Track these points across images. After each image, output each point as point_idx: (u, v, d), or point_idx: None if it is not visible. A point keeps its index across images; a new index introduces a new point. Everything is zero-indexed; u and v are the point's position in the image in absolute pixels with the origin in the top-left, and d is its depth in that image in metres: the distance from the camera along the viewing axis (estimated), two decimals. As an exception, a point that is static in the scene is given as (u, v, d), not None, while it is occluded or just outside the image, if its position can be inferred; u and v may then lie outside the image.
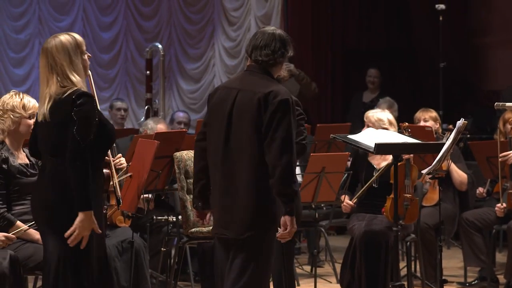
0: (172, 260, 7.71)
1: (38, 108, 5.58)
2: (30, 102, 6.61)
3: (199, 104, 12.84)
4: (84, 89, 5.48)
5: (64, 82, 5.44)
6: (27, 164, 6.56)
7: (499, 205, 8.33)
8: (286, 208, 5.61)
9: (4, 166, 6.41)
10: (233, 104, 5.70)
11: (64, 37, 5.51)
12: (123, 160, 6.69)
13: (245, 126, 5.67)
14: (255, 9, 12.91)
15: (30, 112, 6.56)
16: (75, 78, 5.46)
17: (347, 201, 7.91)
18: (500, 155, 8.26)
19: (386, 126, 8.18)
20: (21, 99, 6.59)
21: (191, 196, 6.99)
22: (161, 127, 8.65)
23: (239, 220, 5.65)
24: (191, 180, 7.02)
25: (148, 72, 9.86)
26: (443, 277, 6.35)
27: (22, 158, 6.61)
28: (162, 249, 7.66)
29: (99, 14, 12.47)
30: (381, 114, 8.30)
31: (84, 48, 5.57)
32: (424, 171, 7.20)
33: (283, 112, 5.61)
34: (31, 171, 6.57)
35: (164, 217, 7.86)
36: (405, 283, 7.56)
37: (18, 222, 6.35)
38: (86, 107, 5.41)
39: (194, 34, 13.01)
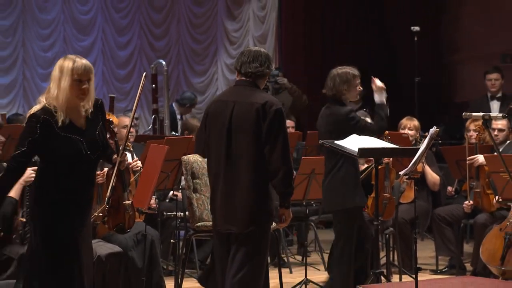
0: (180, 251, 7.68)
1: None
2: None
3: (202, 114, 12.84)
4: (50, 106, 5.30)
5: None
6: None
7: (466, 202, 8.32)
8: (285, 203, 5.71)
9: None
10: (231, 115, 5.71)
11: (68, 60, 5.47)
12: (139, 163, 6.68)
13: (245, 135, 5.67)
14: (252, 30, 12.91)
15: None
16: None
17: None
18: (468, 158, 8.25)
19: None
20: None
21: (197, 195, 6.99)
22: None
23: (242, 217, 5.67)
24: (197, 180, 7.02)
25: (153, 85, 9.82)
26: (418, 265, 6.31)
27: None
28: (171, 240, 7.63)
29: (116, 34, 12.44)
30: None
31: (77, 74, 5.35)
32: (401, 173, 7.19)
33: (280, 121, 5.64)
34: None
35: (173, 213, 7.83)
36: (384, 270, 7.56)
37: None
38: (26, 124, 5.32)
39: (199, 52, 13.01)
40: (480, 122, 8.61)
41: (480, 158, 8.18)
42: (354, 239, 7.10)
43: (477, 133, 8.60)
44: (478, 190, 8.26)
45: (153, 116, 9.62)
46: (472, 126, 8.72)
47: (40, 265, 5.33)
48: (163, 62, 9.83)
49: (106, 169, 6.57)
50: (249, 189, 5.66)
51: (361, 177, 7.52)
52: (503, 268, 7.39)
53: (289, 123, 10.30)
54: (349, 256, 7.02)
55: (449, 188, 8.78)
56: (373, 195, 7.48)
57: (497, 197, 7.80)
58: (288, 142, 5.68)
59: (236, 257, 5.70)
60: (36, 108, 5.29)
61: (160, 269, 7.16)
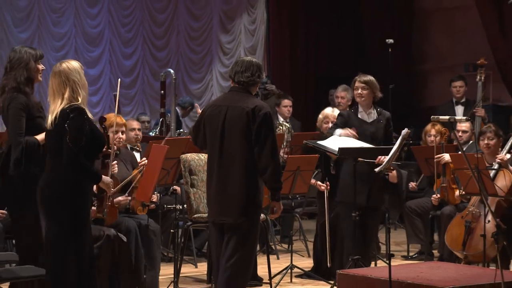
0: (179, 239, 7.68)
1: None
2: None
3: (200, 117, 12.86)
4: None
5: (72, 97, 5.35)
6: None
7: (434, 195, 8.34)
8: (275, 197, 5.73)
9: None
10: (225, 118, 5.72)
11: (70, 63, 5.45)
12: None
13: (236, 136, 5.68)
14: (244, 42, 12.91)
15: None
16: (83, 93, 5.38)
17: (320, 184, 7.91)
18: (435, 156, 8.27)
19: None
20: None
21: (194, 189, 6.99)
22: None
23: (235, 209, 5.69)
24: (194, 177, 7.03)
25: (162, 91, 9.80)
26: (391, 252, 6.31)
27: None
28: (171, 230, 7.62)
29: (122, 46, 12.42)
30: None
31: None
32: (376, 170, 7.19)
33: (268, 123, 5.66)
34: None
35: (172, 206, 7.83)
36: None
37: None
38: (76, 119, 5.29)
39: (196, 62, 12.99)
40: (439, 127, 8.66)
41: (446, 157, 8.20)
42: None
43: (437, 137, 8.63)
44: (445, 185, 8.27)
45: (161, 119, 9.59)
46: (433, 131, 8.75)
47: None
48: (172, 71, 9.79)
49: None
50: (240, 185, 5.67)
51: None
52: (464, 253, 7.47)
53: (288, 102, 10.32)
54: None
55: (412, 184, 8.81)
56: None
57: (460, 191, 7.82)
58: (276, 142, 5.70)
59: (229, 244, 5.72)
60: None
61: (159, 256, 7.10)
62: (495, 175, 7.51)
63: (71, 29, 11.74)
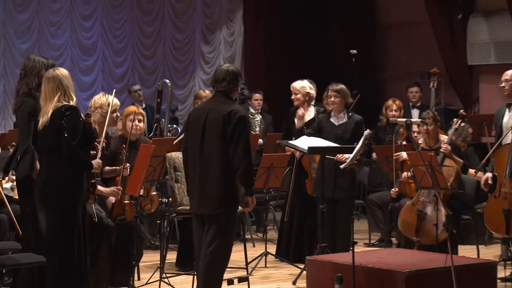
0: (164, 229, 7.65)
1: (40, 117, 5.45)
2: (115, 101, 6.50)
3: (184, 119, 12.81)
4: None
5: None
6: (103, 146, 6.27)
7: (393, 189, 8.36)
8: (248, 192, 5.71)
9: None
10: (205, 120, 5.73)
11: (62, 70, 5.52)
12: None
13: (215, 136, 5.69)
14: (223, 52, 12.91)
15: (113, 108, 6.41)
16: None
17: None
18: (394, 154, 8.29)
19: (308, 90, 8.13)
20: (106, 99, 6.46)
21: (178, 184, 6.97)
22: None
23: (213, 201, 5.69)
24: (178, 173, 7.01)
25: (158, 99, 9.77)
26: (354, 240, 6.33)
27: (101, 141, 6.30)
28: (158, 221, 7.59)
29: (114, 56, 12.37)
30: (303, 82, 8.19)
31: None
32: (341, 166, 7.20)
33: (242, 125, 5.65)
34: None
35: (159, 199, 7.80)
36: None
37: None
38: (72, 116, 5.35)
39: (180, 70, 12.96)
40: (399, 102, 8.93)
41: (404, 155, 8.22)
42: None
43: (398, 111, 9.17)
44: (402, 180, 8.30)
45: (155, 124, 9.53)
46: (394, 107, 9.29)
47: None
48: (168, 81, 9.74)
49: (128, 165, 6.54)
50: (218, 180, 5.67)
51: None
52: (417, 239, 7.47)
53: (258, 96, 10.36)
54: None
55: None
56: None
57: (416, 185, 7.83)
58: (249, 142, 5.69)
59: (208, 233, 5.72)
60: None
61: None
62: (442, 161, 7.50)
63: (67, 40, 11.68)
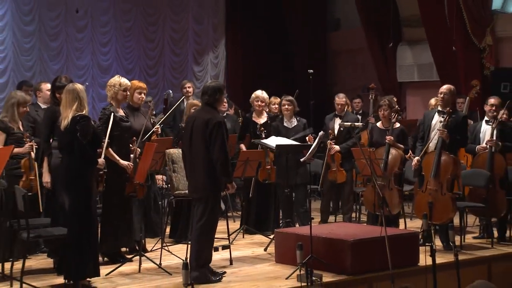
0: (164, 209, 7.61)
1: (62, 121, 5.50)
2: (125, 81, 6.54)
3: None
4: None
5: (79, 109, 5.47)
6: (122, 116, 6.43)
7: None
8: (227, 180, 5.72)
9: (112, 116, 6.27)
10: (192, 126, 5.80)
11: (79, 85, 5.59)
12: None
13: (199, 138, 5.75)
14: (210, 71, 12.89)
15: (123, 87, 6.48)
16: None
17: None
18: (328, 148, 8.24)
19: (267, 100, 8.25)
20: (119, 80, 6.50)
21: (175, 174, 6.96)
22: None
23: (199, 188, 5.75)
24: (175, 165, 7.00)
25: (164, 106, 9.67)
26: (312, 216, 6.34)
27: (120, 112, 6.47)
28: (159, 202, 7.56)
29: (125, 74, 12.09)
30: (261, 92, 8.23)
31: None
32: (301, 159, 7.20)
33: (217, 129, 5.66)
34: (125, 119, 6.48)
35: (160, 185, 7.76)
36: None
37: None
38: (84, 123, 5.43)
39: (177, 85, 12.65)
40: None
41: (337, 148, 8.16)
42: None
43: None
44: (334, 169, 8.19)
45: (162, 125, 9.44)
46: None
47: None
48: (171, 92, 9.70)
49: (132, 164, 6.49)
50: (203, 172, 5.71)
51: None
52: (377, 213, 7.18)
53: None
54: None
55: None
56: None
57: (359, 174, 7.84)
58: (224, 142, 5.69)
59: (197, 212, 5.75)
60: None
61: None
62: (388, 152, 7.40)
63: (89, 62, 11.58)
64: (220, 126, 5.67)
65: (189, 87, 9.81)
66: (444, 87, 7.21)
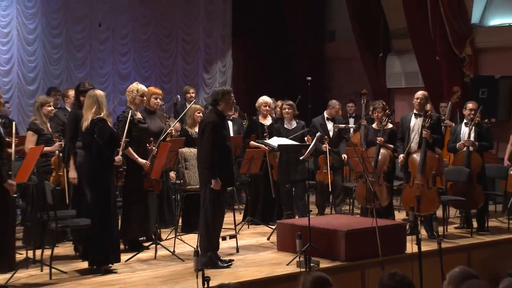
0: (177, 202, 7.62)
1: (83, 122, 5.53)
2: (142, 87, 6.53)
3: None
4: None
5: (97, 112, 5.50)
6: (140, 118, 6.43)
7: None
8: (211, 177, 5.66)
9: (131, 118, 6.26)
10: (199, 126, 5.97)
11: (98, 91, 5.64)
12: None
13: (199, 137, 5.86)
14: (218, 78, 12.87)
15: (140, 93, 6.48)
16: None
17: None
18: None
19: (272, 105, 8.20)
20: (137, 87, 6.50)
21: (187, 171, 6.95)
22: None
23: (200, 183, 5.87)
24: (187, 163, 6.99)
25: (174, 110, 9.71)
26: (310, 209, 6.34)
27: (138, 115, 6.48)
28: (173, 196, 7.56)
29: (143, 81, 11.97)
30: (267, 98, 8.20)
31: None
32: (300, 158, 7.20)
33: (207, 129, 5.70)
34: (143, 121, 6.48)
35: (173, 181, 7.76)
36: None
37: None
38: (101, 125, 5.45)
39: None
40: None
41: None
42: None
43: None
44: (325, 171, 8.12)
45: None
46: None
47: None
48: (179, 97, 9.74)
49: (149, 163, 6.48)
50: (200, 167, 5.84)
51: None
52: (368, 207, 7.28)
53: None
54: None
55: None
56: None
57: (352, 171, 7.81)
58: (210, 141, 5.66)
59: (203, 201, 5.78)
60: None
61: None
62: (378, 152, 7.42)
63: (110, 71, 11.58)
64: (207, 126, 5.71)
65: (192, 93, 9.81)
66: (420, 93, 7.30)
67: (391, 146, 7.46)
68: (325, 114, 8.55)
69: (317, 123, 8.49)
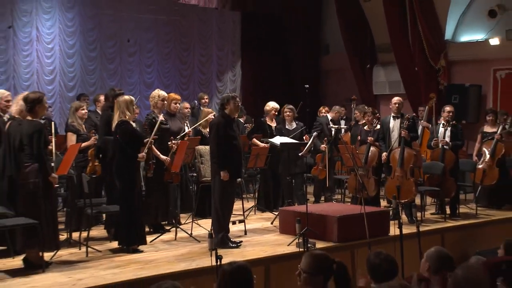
0: (194, 193, 7.63)
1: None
2: (163, 93, 6.49)
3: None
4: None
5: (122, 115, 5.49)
6: (162, 120, 6.35)
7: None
8: (219, 169, 5.66)
9: (153, 121, 6.27)
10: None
11: (125, 96, 5.68)
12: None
13: (209, 136, 5.93)
14: (229, 86, 12.87)
15: (161, 98, 6.46)
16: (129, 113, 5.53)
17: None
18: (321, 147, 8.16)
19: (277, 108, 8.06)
20: (158, 93, 6.48)
21: (203, 165, 6.94)
22: None
23: (211, 175, 5.82)
24: (203, 158, 6.96)
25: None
26: (307, 197, 6.33)
27: (161, 117, 6.38)
28: (190, 187, 7.56)
29: (164, 88, 11.91)
30: (276, 104, 8.15)
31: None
32: (300, 154, 7.18)
33: (212, 130, 5.75)
34: (165, 123, 6.42)
35: (190, 173, 7.76)
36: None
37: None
38: (124, 127, 5.46)
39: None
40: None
41: (322, 148, 8.09)
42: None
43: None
44: (321, 167, 8.13)
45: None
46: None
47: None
48: (196, 102, 9.78)
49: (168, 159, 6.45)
50: (210, 162, 5.85)
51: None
52: (357, 196, 7.26)
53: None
54: None
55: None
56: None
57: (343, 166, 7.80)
58: (215, 140, 5.67)
59: (212, 190, 5.79)
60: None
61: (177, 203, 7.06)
62: (368, 150, 7.43)
63: (137, 80, 11.60)
64: (212, 127, 5.77)
65: (206, 98, 9.84)
66: (396, 99, 7.39)
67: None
68: (329, 116, 8.57)
69: (323, 121, 8.48)
